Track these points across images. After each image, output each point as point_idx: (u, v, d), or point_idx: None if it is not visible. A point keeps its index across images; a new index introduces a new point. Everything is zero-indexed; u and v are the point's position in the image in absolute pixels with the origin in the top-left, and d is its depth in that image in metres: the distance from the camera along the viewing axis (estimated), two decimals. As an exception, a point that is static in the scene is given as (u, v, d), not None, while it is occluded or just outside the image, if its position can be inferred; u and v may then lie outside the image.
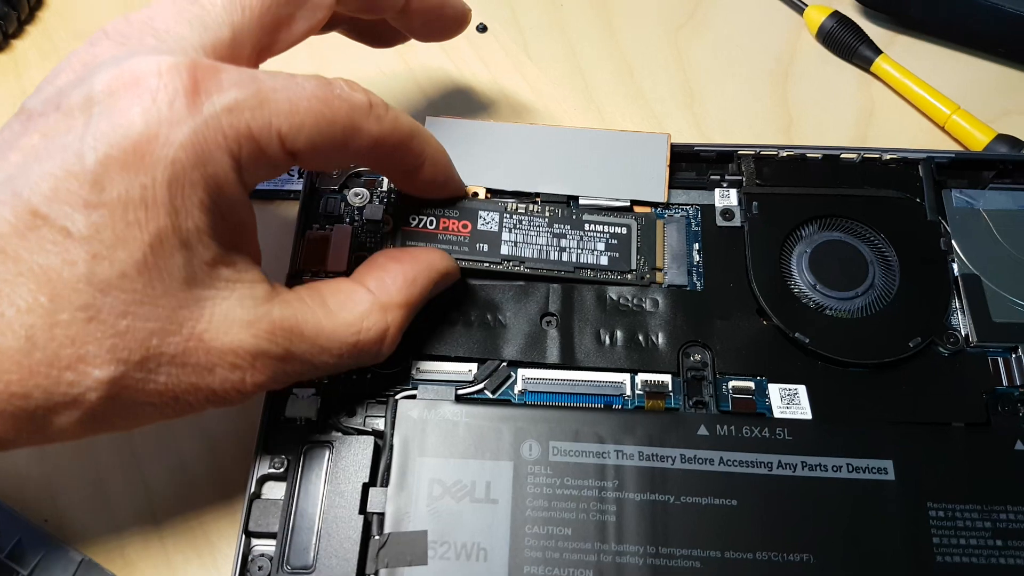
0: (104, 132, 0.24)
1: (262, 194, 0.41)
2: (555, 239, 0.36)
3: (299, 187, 0.39)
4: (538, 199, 0.38)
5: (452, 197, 0.36)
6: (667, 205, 0.38)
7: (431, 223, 0.36)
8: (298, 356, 0.28)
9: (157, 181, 0.24)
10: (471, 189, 0.37)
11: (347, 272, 0.36)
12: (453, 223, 0.36)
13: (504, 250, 0.36)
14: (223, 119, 0.25)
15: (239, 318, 0.26)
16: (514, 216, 0.37)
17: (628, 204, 0.37)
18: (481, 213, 0.36)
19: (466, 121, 0.39)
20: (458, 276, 0.35)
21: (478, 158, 0.38)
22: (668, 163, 0.38)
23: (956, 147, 0.43)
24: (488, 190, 0.38)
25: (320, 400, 0.33)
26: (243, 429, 0.36)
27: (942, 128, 0.43)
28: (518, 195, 0.38)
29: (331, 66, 0.47)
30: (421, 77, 0.47)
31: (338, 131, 0.28)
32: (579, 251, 0.36)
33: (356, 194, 0.38)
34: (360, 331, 0.30)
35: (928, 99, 0.43)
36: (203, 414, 0.35)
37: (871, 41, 0.45)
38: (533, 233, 0.36)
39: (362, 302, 0.30)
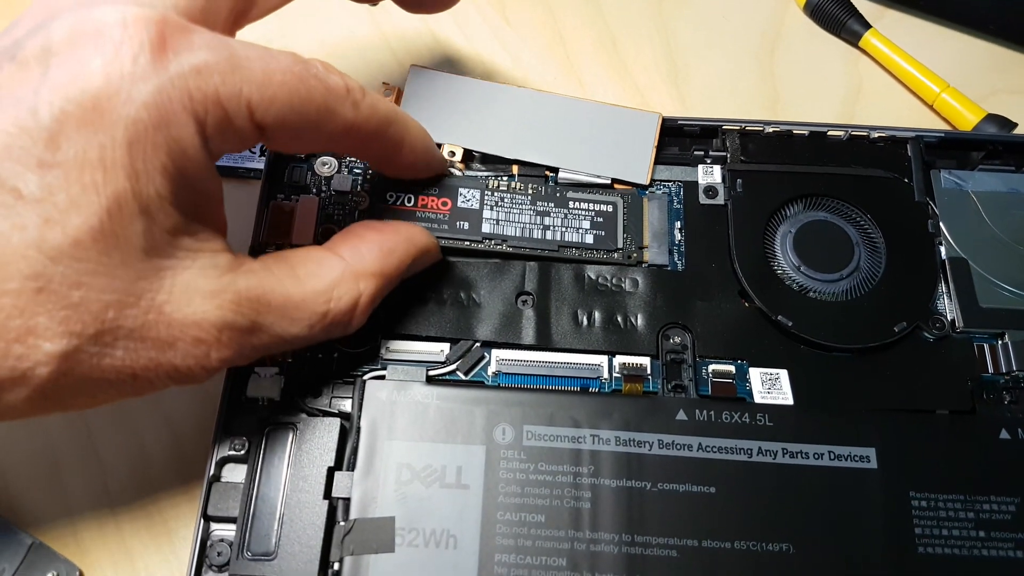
0: (61, 85, 0.22)
1: (224, 171, 0.39)
2: (538, 217, 0.35)
3: (261, 166, 0.37)
4: (514, 168, 0.36)
5: (433, 177, 0.35)
6: (649, 186, 0.36)
7: (409, 200, 0.35)
8: (266, 328, 0.27)
9: (117, 141, 0.23)
10: (448, 147, 0.36)
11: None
12: (432, 200, 0.35)
13: (486, 228, 0.34)
14: (190, 80, 0.24)
15: (202, 288, 0.25)
16: (495, 193, 0.35)
17: (609, 182, 0.36)
18: (461, 190, 0.35)
19: (452, 76, 0.38)
20: (439, 257, 0.34)
21: (460, 116, 0.37)
22: (656, 144, 0.36)
23: (944, 126, 0.42)
24: (466, 150, 0.36)
25: (284, 380, 0.32)
26: (203, 409, 0.34)
27: (931, 107, 0.42)
28: (496, 159, 0.36)
29: (299, 30, 0.45)
30: (394, 41, 0.45)
31: (311, 111, 0.27)
32: (563, 229, 0.35)
33: (324, 163, 0.36)
34: (331, 300, 0.28)
35: (917, 76, 0.42)
36: (161, 392, 0.34)
37: (860, 15, 0.44)
38: (515, 211, 0.35)
39: (333, 269, 0.29)
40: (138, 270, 0.24)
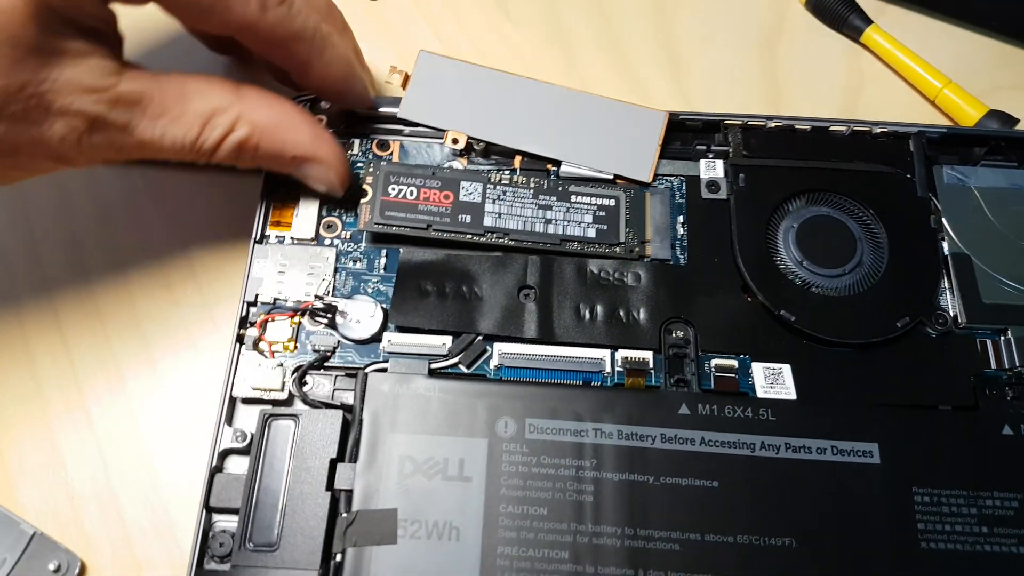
0: None
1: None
2: (541, 211, 0.35)
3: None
4: (517, 161, 0.36)
5: (354, 106, 0.36)
6: (651, 184, 0.36)
7: (411, 193, 0.35)
8: (138, 131, 0.29)
9: None
10: (452, 135, 0.36)
11: (315, 242, 0.35)
12: (434, 193, 0.35)
13: (487, 221, 0.34)
14: None
15: (84, 84, 0.28)
16: (498, 187, 0.35)
17: (611, 177, 0.36)
18: (463, 183, 0.35)
19: (461, 63, 0.37)
20: (338, 189, 0.34)
21: (466, 104, 0.36)
22: (661, 142, 0.36)
23: (947, 122, 0.42)
24: (470, 138, 0.36)
25: (286, 371, 0.32)
26: (205, 399, 0.34)
27: (932, 102, 0.42)
28: (499, 149, 0.36)
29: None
30: (392, 33, 0.45)
31: None
32: (566, 223, 0.35)
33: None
34: (206, 125, 0.30)
35: (919, 72, 0.42)
36: (163, 380, 0.34)
37: (861, 10, 0.44)
38: (518, 204, 0.35)
39: (221, 98, 0.30)
40: (26, 63, 0.26)
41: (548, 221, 0.35)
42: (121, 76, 0.29)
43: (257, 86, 0.32)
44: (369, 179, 0.36)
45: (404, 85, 0.37)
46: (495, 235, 0.34)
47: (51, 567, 0.31)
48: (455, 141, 0.36)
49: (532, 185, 0.35)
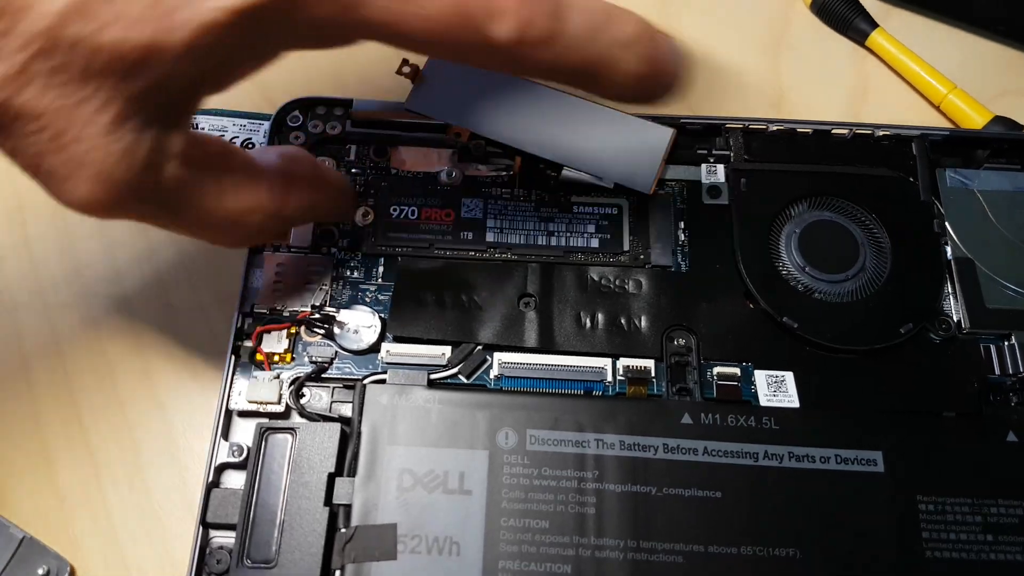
0: None
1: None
2: (542, 223, 0.35)
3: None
4: (517, 160, 0.36)
5: None
6: (651, 196, 0.36)
7: (412, 213, 0.34)
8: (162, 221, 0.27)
9: None
10: (455, 129, 0.36)
11: (311, 249, 0.34)
12: (435, 212, 0.35)
13: (490, 237, 0.34)
14: None
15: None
16: (499, 201, 0.35)
17: (611, 187, 0.35)
18: (464, 200, 0.35)
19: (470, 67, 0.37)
20: (345, 219, 0.34)
21: (473, 102, 0.36)
22: (665, 157, 0.36)
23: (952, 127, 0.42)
24: (472, 135, 0.36)
25: (282, 383, 0.31)
26: (200, 410, 0.34)
27: (937, 108, 0.42)
28: (501, 146, 0.36)
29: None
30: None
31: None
32: (568, 234, 0.35)
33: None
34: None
35: (924, 77, 0.42)
36: (156, 385, 0.34)
37: (867, 13, 0.44)
38: (519, 218, 0.35)
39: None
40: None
41: (551, 233, 0.35)
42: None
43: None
44: (371, 202, 0.35)
45: (414, 79, 0.36)
46: (498, 250, 0.34)
47: (40, 572, 0.31)
48: (458, 135, 0.35)
49: (533, 198, 0.35)
